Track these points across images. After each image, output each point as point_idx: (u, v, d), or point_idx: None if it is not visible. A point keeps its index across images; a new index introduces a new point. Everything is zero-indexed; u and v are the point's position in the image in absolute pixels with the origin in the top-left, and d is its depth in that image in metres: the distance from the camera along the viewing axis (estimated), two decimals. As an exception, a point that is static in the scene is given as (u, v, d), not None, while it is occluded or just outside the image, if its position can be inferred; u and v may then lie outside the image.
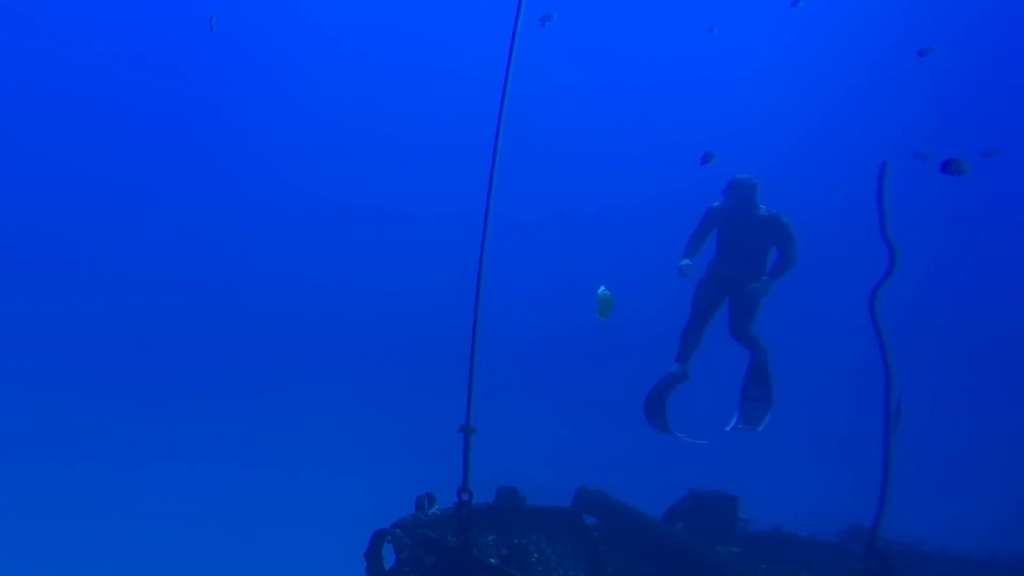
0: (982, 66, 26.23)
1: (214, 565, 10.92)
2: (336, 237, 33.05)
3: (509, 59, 5.96)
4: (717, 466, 12.32)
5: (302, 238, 32.74)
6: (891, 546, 6.91)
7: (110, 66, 32.52)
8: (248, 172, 33.98)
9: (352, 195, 33.92)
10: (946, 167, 6.30)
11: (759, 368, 9.85)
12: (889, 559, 6.05)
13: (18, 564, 10.75)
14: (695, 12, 30.08)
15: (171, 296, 27.60)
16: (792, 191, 10.31)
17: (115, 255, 29.24)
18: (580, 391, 21.60)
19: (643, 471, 12.57)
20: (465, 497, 5.86)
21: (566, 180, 33.47)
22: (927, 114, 26.15)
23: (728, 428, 9.86)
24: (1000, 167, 20.34)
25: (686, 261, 9.75)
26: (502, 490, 7.48)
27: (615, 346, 23.61)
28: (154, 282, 28.20)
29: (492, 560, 5.90)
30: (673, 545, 8.24)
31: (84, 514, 12.39)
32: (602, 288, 7.27)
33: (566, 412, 20.11)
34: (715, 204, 9.89)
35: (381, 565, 6.07)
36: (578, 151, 34.19)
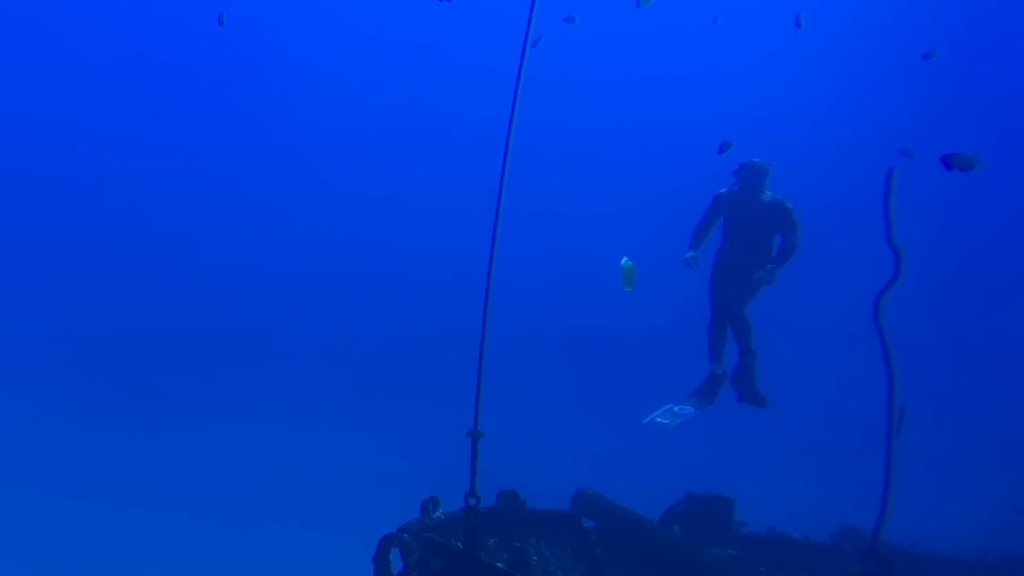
0: (985, 67, 26.17)
1: (222, 570, 10.86)
2: (344, 236, 32.57)
3: (522, 60, 5.95)
4: (712, 468, 12.38)
5: (308, 237, 32.27)
6: (888, 548, 6.96)
7: (113, 63, 32.22)
8: (251, 172, 33.58)
9: (363, 193, 33.41)
10: (951, 163, 6.17)
11: (745, 371, 9.84)
12: (890, 563, 6.11)
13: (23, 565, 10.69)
14: (699, 4, 29.69)
15: (177, 296, 27.21)
16: (798, 188, 10.24)
17: (116, 256, 28.84)
18: (576, 394, 21.54)
19: (639, 474, 12.59)
20: (473, 502, 5.88)
21: (571, 180, 33.03)
22: (934, 113, 26.02)
23: (644, 422, 9.78)
24: (999, 168, 20.40)
25: (692, 253, 9.76)
26: (502, 493, 7.51)
27: (611, 349, 23.56)
28: (159, 281, 27.83)
29: (499, 564, 5.91)
30: (670, 547, 8.29)
31: (83, 517, 12.28)
32: (625, 259, 7.22)
33: (562, 414, 20.08)
34: (723, 190, 9.86)
35: (388, 569, 6.08)
36: (585, 149, 33.82)
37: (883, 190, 6.37)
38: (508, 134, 5.88)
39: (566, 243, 31.88)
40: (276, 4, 33.34)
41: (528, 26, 5.98)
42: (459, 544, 5.98)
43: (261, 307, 27.82)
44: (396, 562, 6.18)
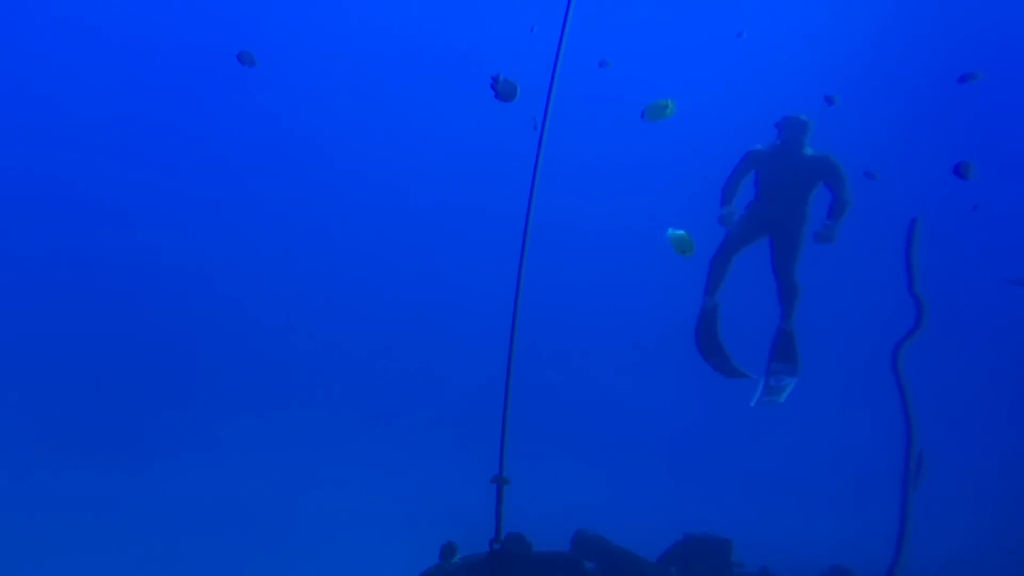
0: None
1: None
2: (350, 245, 31.63)
3: (555, 63, 5.96)
4: (709, 509, 12.42)
5: (313, 247, 31.34)
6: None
7: (118, 63, 31.56)
8: (252, 174, 32.70)
9: (380, 200, 32.53)
10: (961, 171, 6.40)
11: (785, 336, 9.70)
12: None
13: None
14: (720, 15, 29.26)
15: (186, 301, 26.29)
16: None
17: (118, 261, 27.93)
18: (573, 432, 21.16)
19: (637, 514, 12.59)
20: (498, 547, 5.87)
21: (578, 196, 32.07)
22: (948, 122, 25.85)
23: (752, 404, 9.76)
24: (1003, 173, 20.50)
25: (727, 209, 9.67)
26: (510, 536, 7.48)
27: (609, 383, 23.15)
28: (161, 285, 26.98)
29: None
30: (669, 588, 8.30)
31: (82, 520, 11.90)
32: (671, 229, 6.97)
33: (559, 454, 19.78)
34: (758, 146, 9.77)
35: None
36: (606, 159, 33.08)
37: (906, 239, 6.48)
38: (539, 145, 5.87)
39: (565, 263, 30.79)
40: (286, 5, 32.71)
41: (561, 37, 5.99)
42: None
43: (267, 316, 26.85)
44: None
